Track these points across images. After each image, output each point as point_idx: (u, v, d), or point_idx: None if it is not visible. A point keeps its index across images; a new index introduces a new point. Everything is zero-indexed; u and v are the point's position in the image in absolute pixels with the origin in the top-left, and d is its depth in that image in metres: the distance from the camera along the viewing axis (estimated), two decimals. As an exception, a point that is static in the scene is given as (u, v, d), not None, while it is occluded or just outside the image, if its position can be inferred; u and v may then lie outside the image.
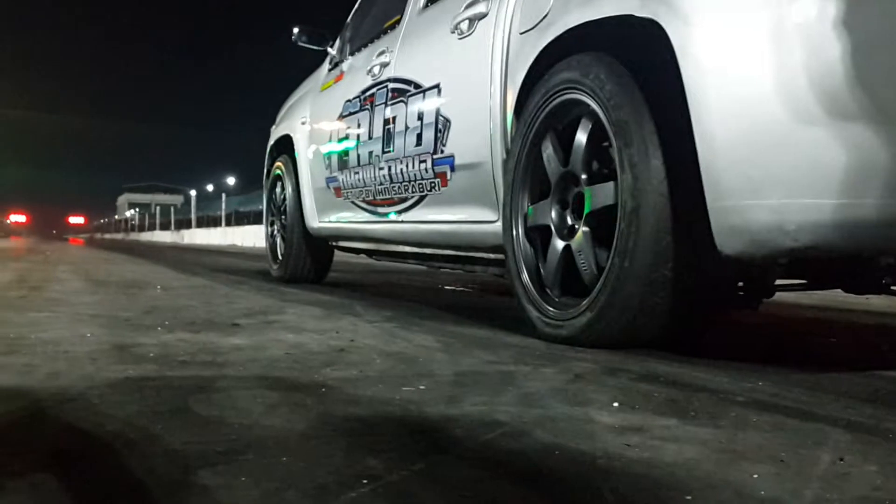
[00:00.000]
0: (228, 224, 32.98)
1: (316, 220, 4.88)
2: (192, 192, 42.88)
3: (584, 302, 2.33)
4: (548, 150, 2.61)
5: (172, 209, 48.52)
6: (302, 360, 2.08)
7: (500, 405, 1.56)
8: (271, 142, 5.67)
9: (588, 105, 2.38)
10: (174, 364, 1.97)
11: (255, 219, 28.07)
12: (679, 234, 2.12)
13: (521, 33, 2.74)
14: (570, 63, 2.47)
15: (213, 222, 36.55)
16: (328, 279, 5.45)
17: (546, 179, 2.63)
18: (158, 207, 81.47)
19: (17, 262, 8.91)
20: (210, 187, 78.82)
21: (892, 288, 2.15)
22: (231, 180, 73.44)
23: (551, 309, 2.51)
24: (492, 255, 3.11)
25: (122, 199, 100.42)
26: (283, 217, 5.31)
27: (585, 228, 2.40)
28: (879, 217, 1.70)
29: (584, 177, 2.45)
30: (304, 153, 5.00)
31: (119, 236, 59.67)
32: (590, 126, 2.41)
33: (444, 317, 3.27)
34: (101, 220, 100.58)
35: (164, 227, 47.21)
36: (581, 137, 2.44)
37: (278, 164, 5.44)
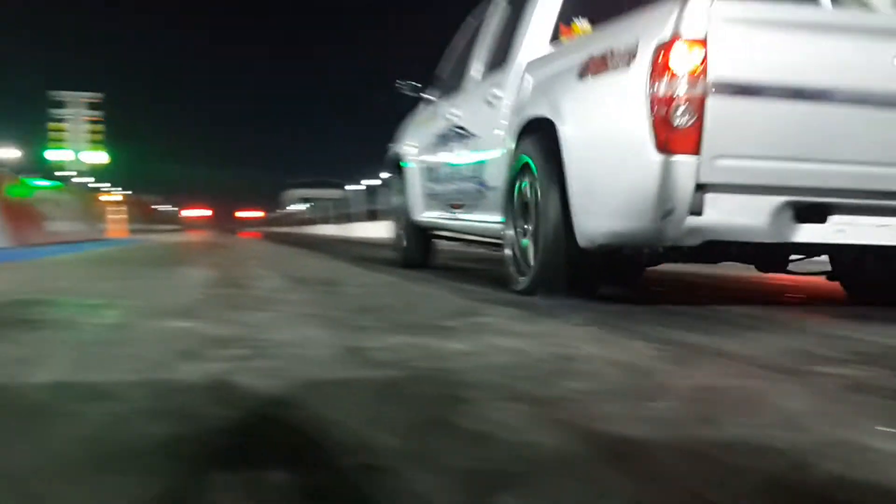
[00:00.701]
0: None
1: (418, 215, 6.47)
2: (352, 186, 44.26)
3: (529, 271, 4.09)
4: (516, 187, 4.34)
5: (332, 203, 50.00)
6: (532, 368, 2.08)
7: (763, 428, 1.49)
8: (390, 155, 7.35)
9: (530, 164, 4.11)
10: (411, 369, 2.02)
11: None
12: (567, 236, 3.75)
13: (512, 114, 4.54)
14: (525, 138, 4.24)
15: (372, 215, 37.64)
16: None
17: (520, 201, 4.30)
18: (323, 201, 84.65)
19: (210, 256, 9.51)
20: (372, 182, 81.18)
21: (789, 269, 4.07)
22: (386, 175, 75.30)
23: (519, 274, 4.23)
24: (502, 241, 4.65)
25: (288, 193, 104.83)
26: (400, 215, 6.94)
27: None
28: (626, 230, 3.48)
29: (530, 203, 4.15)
30: (411, 168, 6.71)
31: (287, 230, 62.21)
32: (531, 175, 4.11)
33: (639, 317, 3.20)
34: (274, 213, 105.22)
35: (329, 220, 48.83)
36: (528, 181, 4.16)
37: (394, 174, 7.18)
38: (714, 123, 3.15)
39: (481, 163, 5.01)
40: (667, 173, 3.18)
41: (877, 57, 3.28)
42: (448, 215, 5.78)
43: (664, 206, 3.20)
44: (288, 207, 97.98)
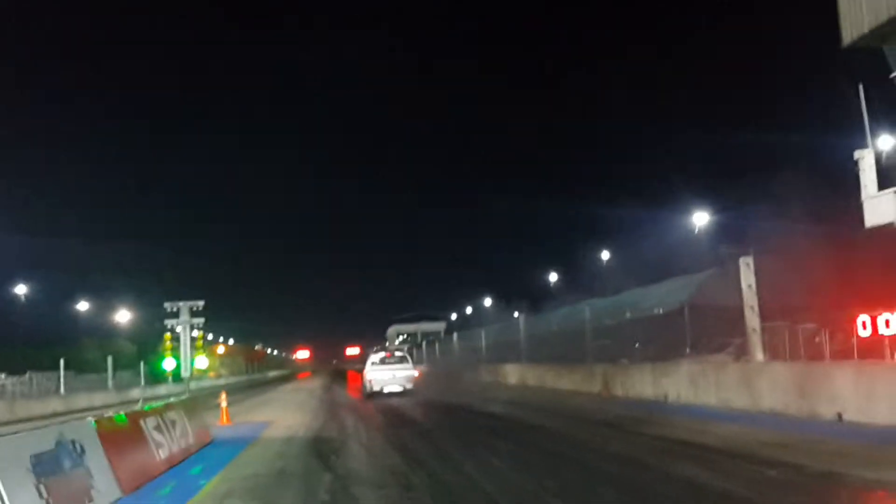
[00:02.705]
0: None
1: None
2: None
3: None
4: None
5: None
6: None
7: None
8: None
9: None
10: None
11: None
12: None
13: None
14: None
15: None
16: None
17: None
18: (425, 336, 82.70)
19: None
20: (468, 309, 79.18)
21: None
22: (487, 301, 73.04)
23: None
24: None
25: (392, 329, 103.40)
26: None
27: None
28: None
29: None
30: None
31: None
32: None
33: None
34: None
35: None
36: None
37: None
38: None
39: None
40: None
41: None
42: None
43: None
44: (395, 342, 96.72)
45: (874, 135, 15.31)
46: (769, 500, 6.76)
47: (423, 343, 65.28)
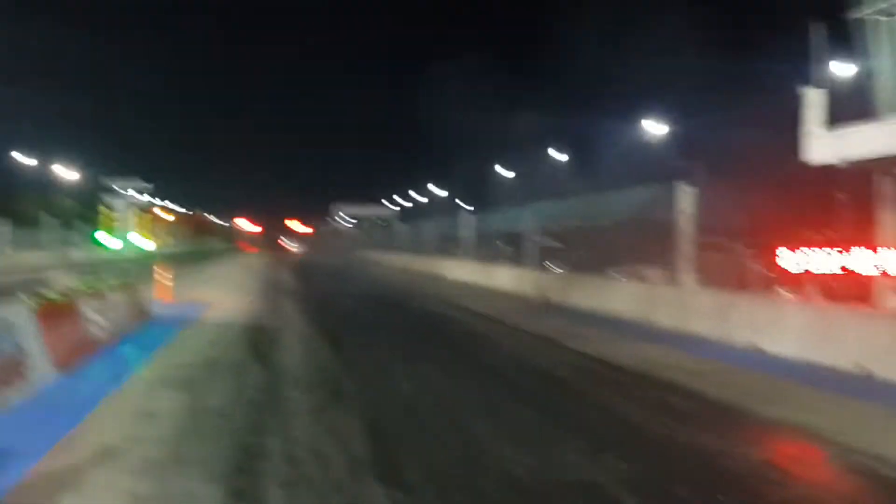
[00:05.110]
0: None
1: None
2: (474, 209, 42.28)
3: None
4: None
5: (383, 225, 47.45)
6: None
7: None
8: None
9: None
10: None
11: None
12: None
13: None
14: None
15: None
16: None
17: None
18: (378, 221, 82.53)
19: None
20: (419, 198, 79.13)
21: None
22: (442, 193, 72.99)
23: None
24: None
25: (338, 208, 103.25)
26: None
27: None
28: None
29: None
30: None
31: (338, 261, 58.16)
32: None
33: None
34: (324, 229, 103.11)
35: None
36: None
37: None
38: None
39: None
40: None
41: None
42: None
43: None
44: (342, 224, 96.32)
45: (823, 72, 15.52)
46: (661, 430, 7.25)
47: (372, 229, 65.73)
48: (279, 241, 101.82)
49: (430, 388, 9.05)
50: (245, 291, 22.55)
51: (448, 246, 35.49)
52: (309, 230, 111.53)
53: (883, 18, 14.22)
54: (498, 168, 58.42)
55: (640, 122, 40.73)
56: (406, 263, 40.77)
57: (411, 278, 31.96)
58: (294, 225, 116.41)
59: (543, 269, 24.57)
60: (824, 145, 14.53)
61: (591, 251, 27.36)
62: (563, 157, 50.54)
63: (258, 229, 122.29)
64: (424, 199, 76.93)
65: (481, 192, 56.77)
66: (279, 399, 8.16)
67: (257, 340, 12.18)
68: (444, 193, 71.42)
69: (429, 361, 10.77)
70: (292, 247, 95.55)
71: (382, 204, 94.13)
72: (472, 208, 43.98)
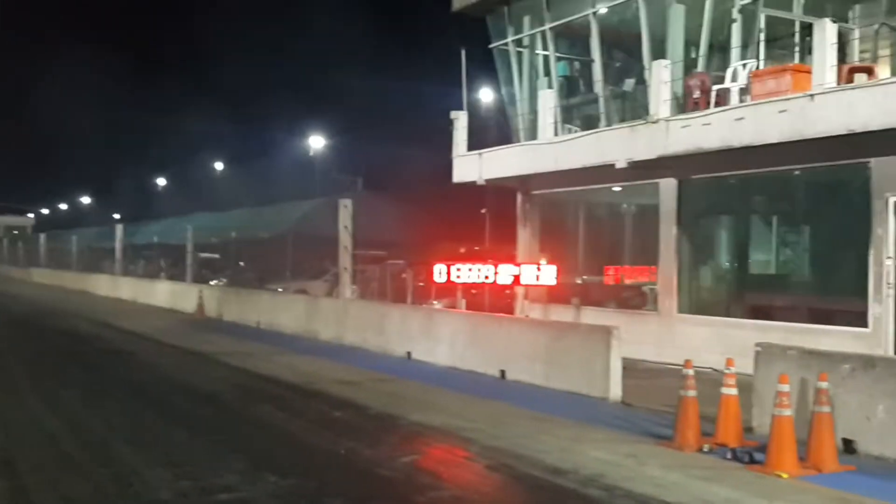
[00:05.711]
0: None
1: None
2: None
3: None
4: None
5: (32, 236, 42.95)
6: None
7: None
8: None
9: None
10: None
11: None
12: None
13: None
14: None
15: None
16: None
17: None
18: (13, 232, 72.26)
19: None
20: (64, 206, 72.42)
21: None
22: (86, 200, 67.43)
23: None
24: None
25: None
26: None
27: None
28: None
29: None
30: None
31: None
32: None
33: None
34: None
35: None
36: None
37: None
38: None
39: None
40: None
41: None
42: None
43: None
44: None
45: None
46: (320, 442, 7.34)
47: (4, 240, 58.38)
48: None
49: (73, 414, 8.30)
50: None
51: (100, 259, 32.93)
52: None
53: (519, 49, 15.78)
54: (158, 179, 55.63)
55: (305, 136, 41.21)
56: (51, 279, 36.93)
57: (57, 296, 28.99)
58: None
59: (205, 282, 23.73)
60: (468, 164, 15.77)
61: (254, 264, 27.11)
62: (220, 166, 49.54)
63: None
64: (64, 206, 70.53)
65: (135, 200, 53.65)
66: None
67: None
68: (87, 200, 66.21)
69: (72, 387, 9.87)
70: None
71: (16, 211, 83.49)
72: (118, 216, 41.37)
